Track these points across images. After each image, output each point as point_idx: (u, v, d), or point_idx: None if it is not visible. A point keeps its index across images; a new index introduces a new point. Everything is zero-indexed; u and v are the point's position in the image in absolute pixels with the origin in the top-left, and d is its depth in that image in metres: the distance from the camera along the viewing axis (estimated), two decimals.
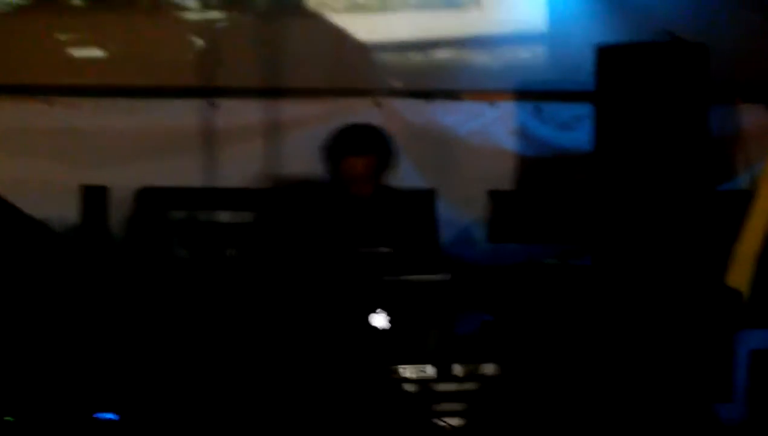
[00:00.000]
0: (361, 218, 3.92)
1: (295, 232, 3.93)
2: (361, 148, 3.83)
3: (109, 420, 3.44)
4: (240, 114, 5.00)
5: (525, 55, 5.06)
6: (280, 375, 3.60)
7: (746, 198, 4.37)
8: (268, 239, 4.03)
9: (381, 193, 3.93)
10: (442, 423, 3.43)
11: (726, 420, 3.69)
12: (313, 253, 3.86)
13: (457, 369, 3.53)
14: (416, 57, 5.08)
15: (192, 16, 5.02)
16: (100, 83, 4.97)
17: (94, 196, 4.82)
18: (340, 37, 5.04)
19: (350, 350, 3.56)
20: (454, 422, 3.47)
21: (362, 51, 5.04)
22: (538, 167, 5.03)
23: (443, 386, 3.51)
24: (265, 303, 3.87)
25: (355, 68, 5.05)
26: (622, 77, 4.41)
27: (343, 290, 3.70)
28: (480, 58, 5.07)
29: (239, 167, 4.96)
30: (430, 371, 3.51)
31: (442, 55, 5.10)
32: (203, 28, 5.00)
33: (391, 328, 3.57)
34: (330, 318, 3.67)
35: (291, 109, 5.01)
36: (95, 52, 5.01)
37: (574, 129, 5.03)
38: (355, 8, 5.03)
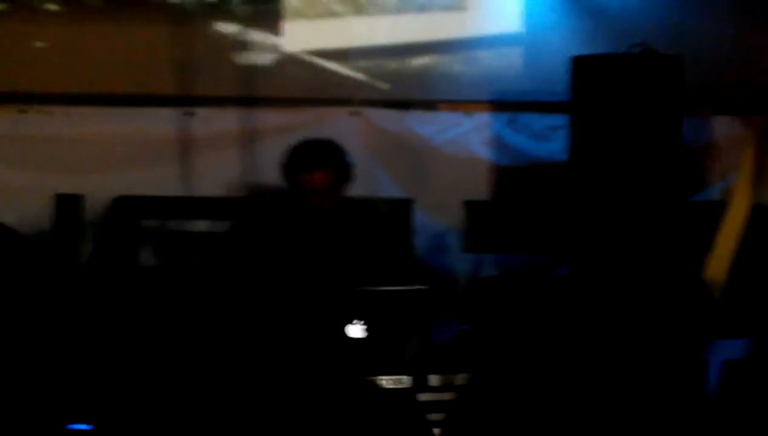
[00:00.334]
0: (322, 231, 3.93)
1: (262, 244, 3.94)
2: (316, 162, 3.85)
3: (82, 431, 3.42)
4: (216, 123, 4.99)
5: (501, 65, 5.08)
6: (255, 386, 3.59)
7: (719, 209, 4.41)
8: (237, 249, 4.02)
9: (343, 205, 3.94)
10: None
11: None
12: (278, 265, 3.86)
13: (433, 380, 3.53)
14: (393, 66, 5.10)
15: (168, 24, 5.01)
16: (75, 91, 4.94)
17: (68, 205, 4.78)
18: (315, 45, 5.04)
19: (326, 361, 3.55)
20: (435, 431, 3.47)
21: (339, 60, 5.05)
22: (513, 177, 5.05)
23: (420, 397, 3.51)
24: (240, 313, 3.86)
25: (331, 77, 5.05)
26: (597, 88, 4.44)
27: (319, 300, 3.70)
28: (456, 68, 5.09)
29: (216, 176, 4.94)
30: (406, 381, 3.52)
31: (418, 64, 5.11)
32: (180, 36, 4.98)
33: (367, 338, 3.57)
34: (305, 328, 3.67)
35: (267, 118, 5.01)
36: (70, 60, 4.98)
37: (549, 139, 5.05)
38: (331, 14, 5.03)
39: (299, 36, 5.03)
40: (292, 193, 3.93)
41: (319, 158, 3.86)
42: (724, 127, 5.01)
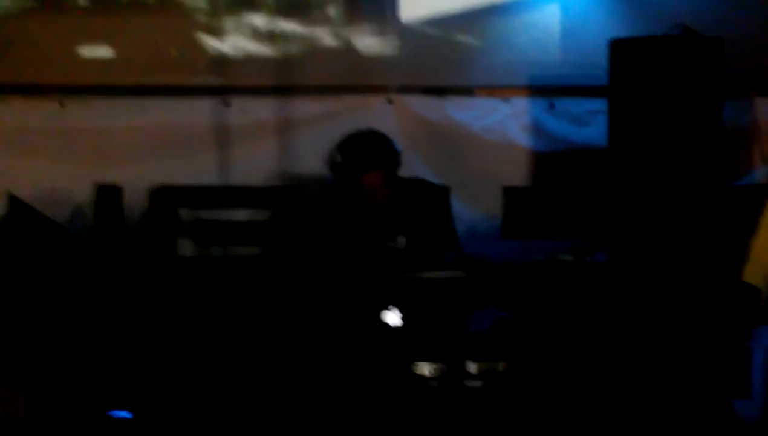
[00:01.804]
0: (379, 223, 3.88)
1: (313, 233, 3.90)
2: (368, 165, 3.78)
3: (123, 418, 3.45)
4: (253, 112, 5.00)
5: (538, 50, 5.03)
6: (294, 373, 3.59)
7: (762, 192, 4.33)
8: (283, 237, 4.01)
9: (396, 191, 3.89)
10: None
11: (743, 417, 3.67)
12: (330, 251, 3.83)
13: (472, 366, 3.51)
14: (429, 53, 5.06)
15: (204, 14, 5.02)
16: (113, 83, 4.98)
17: (108, 195, 4.83)
18: (352, 32, 5.03)
19: (365, 348, 3.55)
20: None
21: (375, 47, 5.03)
22: (552, 163, 5.01)
23: (458, 384, 3.50)
24: (278, 301, 3.87)
25: (367, 65, 5.03)
26: (636, 71, 4.38)
27: (358, 287, 3.69)
28: (493, 53, 5.05)
29: (253, 165, 4.96)
30: (444, 368, 3.50)
31: (455, 50, 5.08)
32: (216, 27, 5.00)
33: (405, 325, 3.56)
34: (344, 316, 3.67)
35: (304, 106, 5.01)
36: (108, 52, 5.01)
37: (588, 124, 5.00)
38: None
39: (335, 24, 5.02)
40: (345, 191, 3.87)
41: (371, 160, 3.78)
42: (767, 110, 4.93)
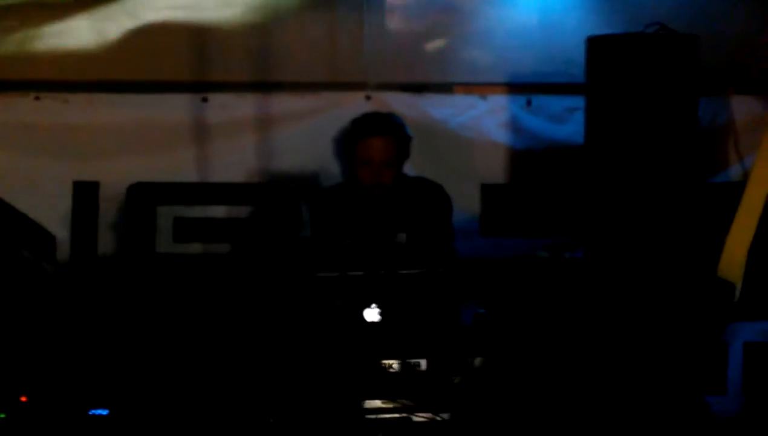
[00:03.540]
0: (383, 212, 3.88)
1: (315, 228, 3.91)
2: (375, 129, 3.81)
3: (100, 416, 3.44)
4: (231, 108, 4.99)
5: (516, 47, 5.05)
6: (274, 371, 3.60)
7: (737, 190, 4.38)
8: (263, 234, 4.02)
9: (401, 183, 3.90)
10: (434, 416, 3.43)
11: (719, 413, 3.70)
12: (326, 245, 3.83)
13: (449, 362, 3.53)
14: (407, 50, 5.07)
15: (183, 9, 5.01)
16: (90, 78, 4.95)
17: (85, 192, 4.81)
18: (330, 30, 5.03)
19: (343, 345, 3.56)
20: (445, 415, 3.47)
21: (353, 44, 5.03)
22: (529, 160, 5.03)
23: (435, 379, 3.51)
24: (258, 299, 3.87)
25: (345, 62, 5.03)
26: (613, 69, 4.41)
27: (337, 284, 3.70)
28: (471, 50, 5.06)
29: (231, 162, 4.95)
30: (422, 364, 3.52)
31: (433, 47, 5.09)
32: (194, 22, 4.98)
33: (383, 321, 3.57)
34: (323, 312, 3.67)
35: (282, 103, 5.00)
36: (85, 47, 4.99)
37: (565, 121, 5.03)
38: None
39: (314, 21, 5.02)
40: (349, 173, 3.87)
41: (379, 125, 3.82)
42: (743, 107, 4.97)
